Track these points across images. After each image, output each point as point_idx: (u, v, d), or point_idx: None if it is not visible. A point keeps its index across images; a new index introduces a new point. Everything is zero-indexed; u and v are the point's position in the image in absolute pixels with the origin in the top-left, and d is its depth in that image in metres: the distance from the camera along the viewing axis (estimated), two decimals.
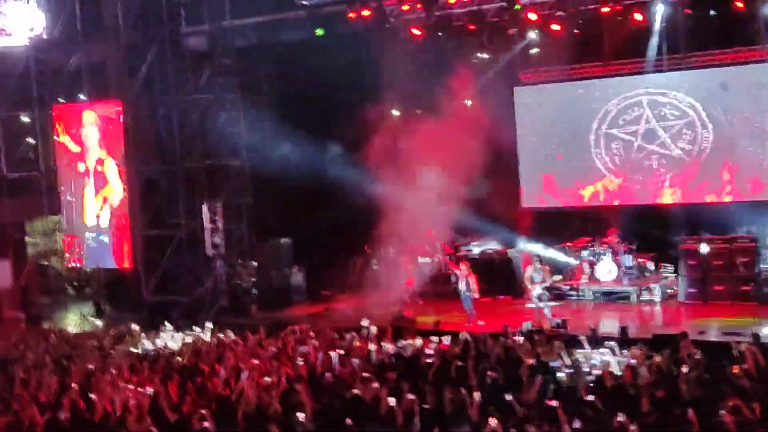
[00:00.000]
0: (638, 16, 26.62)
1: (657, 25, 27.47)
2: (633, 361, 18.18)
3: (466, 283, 27.03)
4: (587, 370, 18.46)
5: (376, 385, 17.72)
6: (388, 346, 21.69)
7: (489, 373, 18.07)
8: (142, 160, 30.79)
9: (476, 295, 27.06)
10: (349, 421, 15.66)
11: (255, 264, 31.29)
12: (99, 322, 31.51)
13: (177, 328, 26.62)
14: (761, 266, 26.71)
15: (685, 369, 17.64)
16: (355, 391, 17.58)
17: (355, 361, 19.90)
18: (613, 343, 20.22)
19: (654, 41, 28.11)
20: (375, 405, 16.88)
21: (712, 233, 27.90)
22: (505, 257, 30.67)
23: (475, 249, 31.65)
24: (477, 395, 16.40)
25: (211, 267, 30.48)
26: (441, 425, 15.65)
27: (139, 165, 30.85)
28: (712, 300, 26.96)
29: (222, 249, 30.45)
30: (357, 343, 21.93)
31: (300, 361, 20.13)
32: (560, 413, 15.44)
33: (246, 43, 30.18)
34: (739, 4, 25.19)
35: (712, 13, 25.51)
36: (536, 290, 25.69)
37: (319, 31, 27.83)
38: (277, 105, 31.29)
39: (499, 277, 30.37)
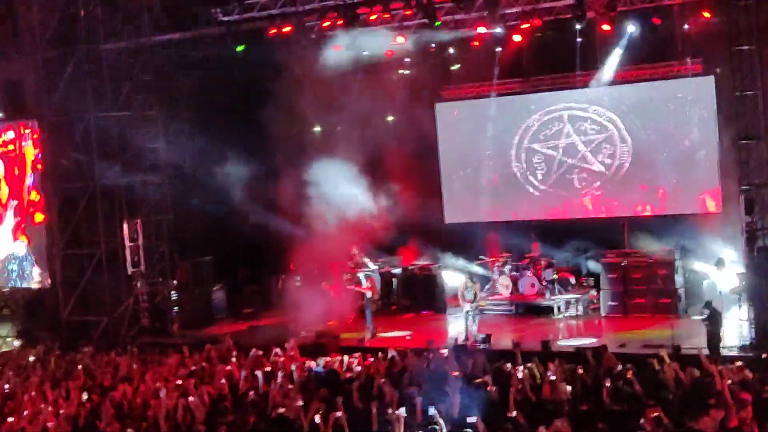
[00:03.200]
0: (556, 33, 26.80)
1: (572, 41, 27.63)
2: (553, 376, 18.25)
3: (367, 297, 27.17)
4: (511, 384, 18.45)
5: (300, 403, 17.64)
6: (311, 364, 21.60)
7: (413, 388, 18.06)
8: (60, 178, 30.31)
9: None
10: None
11: (176, 282, 30.97)
12: (17, 343, 31.00)
13: (96, 348, 26.28)
14: (679, 279, 27.00)
15: (607, 382, 17.77)
16: (281, 410, 17.47)
17: (279, 379, 19.76)
18: (535, 358, 20.28)
19: (565, 57, 28.32)
20: (300, 423, 16.80)
21: (632, 247, 28.17)
22: (428, 273, 30.69)
23: (397, 265, 31.60)
24: (401, 411, 16.37)
25: (132, 285, 30.10)
26: None
27: (58, 183, 30.38)
28: (632, 313, 27.21)
29: (142, 267, 30.11)
30: (280, 361, 21.80)
31: (223, 380, 19.98)
32: (481, 429, 15.48)
33: (166, 59, 29.91)
34: (656, 20, 25.45)
35: (631, 29, 25.72)
36: (466, 307, 25.74)
37: (239, 48, 27.65)
38: (197, 121, 31.08)
39: (423, 293, 30.41)
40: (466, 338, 24.98)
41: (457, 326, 27.03)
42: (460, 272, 28.93)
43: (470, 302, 25.70)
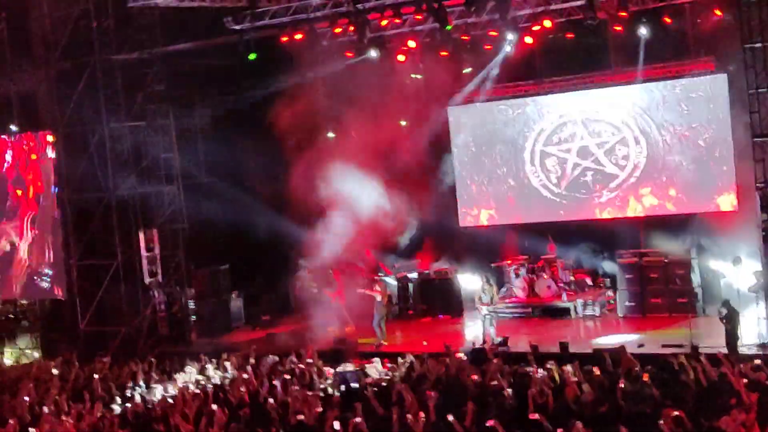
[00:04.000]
0: (569, 34, 26.75)
1: (584, 42, 27.60)
2: (574, 378, 18.23)
3: (377, 301, 27.21)
4: (529, 386, 18.42)
5: (320, 409, 17.68)
6: (329, 370, 21.61)
7: (431, 393, 18.06)
8: (75, 190, 30.39)
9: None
10: None
11: (193, 291, 31.03)
12: (37, 354, 31.12)
13: (115, 359, 26.35)
14: (696, 278, 26.96)
15: (624, 383, 17.75)
16: (300, 417, 17.49)
17: (298, 386, 19.79)
18: (553, 360, 20.26)
19: (578, 58, 28.31)
20: (320, 430, 16.83)
21: (648, 247, 28.13)
22: (444, 277, 30.69)
23: (414, 269, 31.60)
24: (421, 416, 16.40)
25: (149, 295, 30.17)
26: None
27: (72, 194, 30.46)
28: (650, 313, 27.19)
29: (159, 277, 30.19)
30: (299, 368, 21.83)
31: (242, 389, 20.01)
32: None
33: (178, 68, 29.98)
34: (668, 20, 25.41)
35: (642, 30, 25.66)
36: (484, 310, 25.75)
37: (252, 56, 27.70)
38: (210, 129, 31.15)
39: (439, 297, 30.44)
40: (484, 341, 24.97)
41: (474, 330, 27.03)
42: (477, 276, 28.92)
43: (487, 305, 25.71)
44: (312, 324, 27.75)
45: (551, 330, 26.99)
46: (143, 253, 29.95)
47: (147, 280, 30.05)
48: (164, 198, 30.34)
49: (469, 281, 29.98)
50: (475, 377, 19.14)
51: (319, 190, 28.48)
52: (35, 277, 32.09)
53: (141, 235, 29.91)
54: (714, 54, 26.88)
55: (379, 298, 27.42)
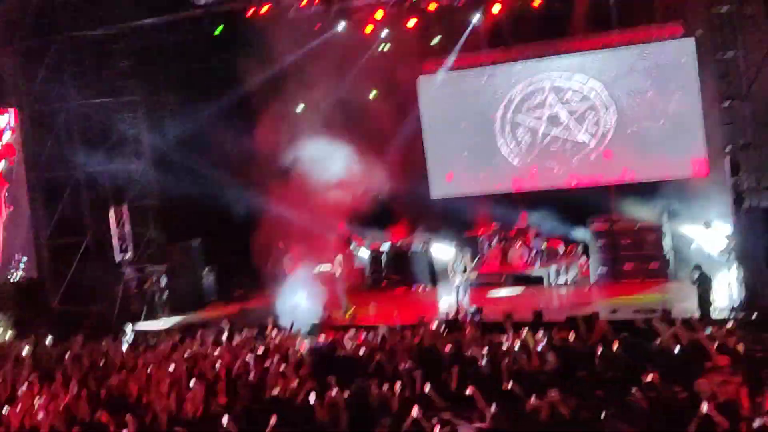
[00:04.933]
0: (537, 1, 26.64)
1: (553, 9, 27.55)
2: (539, 347, 18.29)
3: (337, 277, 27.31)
4: (505, 356, 18.45)
5: (296, 382, 17.67)
6: (305, 343, 21.58)
7: (407, 364, 18.09)
8: (43, 168, 30.16)
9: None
10: (273, 420, 15.56)
11: (165, 267, 30.89)
12: (10, 334, 30.94)
13: (88, 337, 26.20)
14: (668, 243, 27.07)
15: (600, 349, 17.82)
16: (275, 391, 17.48)
17: (274, 360, 19.74)
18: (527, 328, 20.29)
19: (546, 25, 28.25)
20: (296, 403, 16.83)
21: (620, 213, 28.20)
22: (417, 248, 30.67)
23: (386, 241, 31.57)
24: (396, 387, 16.41)
25: (121, 273, 30.04)
26: (364, 419, 15.63)
27: (41, 172, 30.22)
28: (622, 279, 27.30)
29: (130, 254, 30.07)
30: (274, 342, 21.79)
31: (217, 364, 19.96)
32: (479, 401, 15.52)
33: (144, 45, 29.75)
34: None
35: None
36: (457, 279, 25.75)
37: (218, 30, 27.53)
38: (180, 104, 30.95)
39: (412, 268, 30.44)
40: (458, 311, 24.98)
41: (448, 300, 27.05)
42: (449, 246, 28.95)
43: (461, 274, 25.71)
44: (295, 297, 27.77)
45: (525, 298, 27.04)
46: (114, 230, 29.84)
47: (118, 257, 29.95)
48: (134, 175, 30.19)
49: (442, 252, 29.99)
50: (450, 347, 19.14)
51: (290, 164, 28.38)
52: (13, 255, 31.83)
53: (111, 213, 29.76)
54: (681, 19, 26.90)
55: (338, 273, 27.39)
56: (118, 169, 29.97)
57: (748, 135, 22.01)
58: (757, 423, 13.24)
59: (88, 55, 29.45)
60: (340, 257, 28.18)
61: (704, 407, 13.51)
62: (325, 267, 27.98)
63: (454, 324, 22.38)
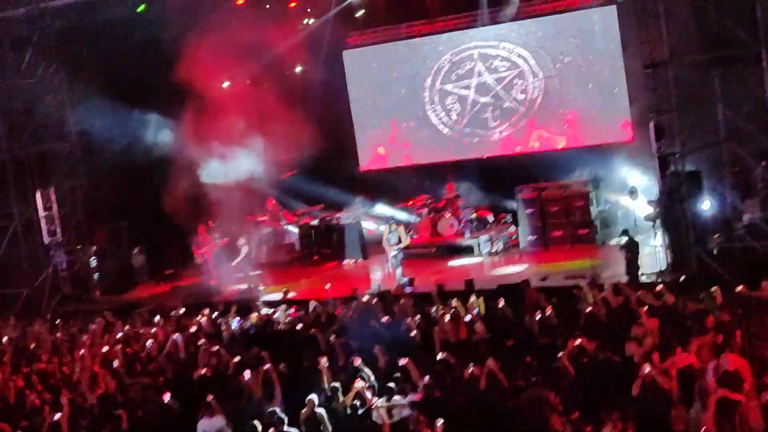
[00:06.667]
0: None
1: None
2: (468, 317, 18.41)
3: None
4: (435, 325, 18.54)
5: (231, 359, 17.68)
6: (237, 320, 21.52)
7: (339, 338, 18.15)
8: None
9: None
10: (210, 397, 15.56)
11: (95, 248, 30.64)
12: None
13: (19, 319, 25.96)
14: (596, 209, 27.31)
15: (530, 315, 17.99)
16: (202, 371, 17.45)
17: (205, 338, 19.71)
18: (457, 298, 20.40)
19: None
20: (231, 379, 16.84)
21: (548, 180, 28.39)
22: (347, 221, 30.68)
23: (317, 215, 31.55)
24: (324, 361, 16.47)
25: (50, 255, 29.76)
26: (299, 392, 15.67)
27: None
28: (552, 246, 27.50)
29: (59, 236, 29.81)
30: (206, 321, 21.73)
31: (149, 343, 19.88)
32: (412, 370, 15.60)
33: (67, 24, 29.36)
34: None
35: None
36: (392, 251, 25.79)
37: (141, 8, 27.27)
38: (103, 84, 30.58)
39: (342, 242, 30.41)
40: (413, 280, 25.01)
41: (380, 272, 27.13)
42: (380, 218, 29.03)
43: (395, 245, 25.77)
44: (216, 276, 27.74)
45: (456, 268, 27.17)
46: (41, 212, 29.55)
47: (46, 239, 29.67)
48: (60, 156, 29.84)
49: (371, 225, 30.08)
50: (385, 319, 19.21)
51: (218, 142, 28.26)
52: None
53: (38, 195, 29.46)
54: None
55: (244, 251, 27.39)
56: (44, 150, 29.61)
57: (672, 100, 22.19)
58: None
59: (9, 35, 29.00)
60: (243, 238, 28.12)
61: (646, 368, 13.70)
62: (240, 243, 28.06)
63: (386, 296, 22.42)
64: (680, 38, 21.88)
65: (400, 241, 25.92)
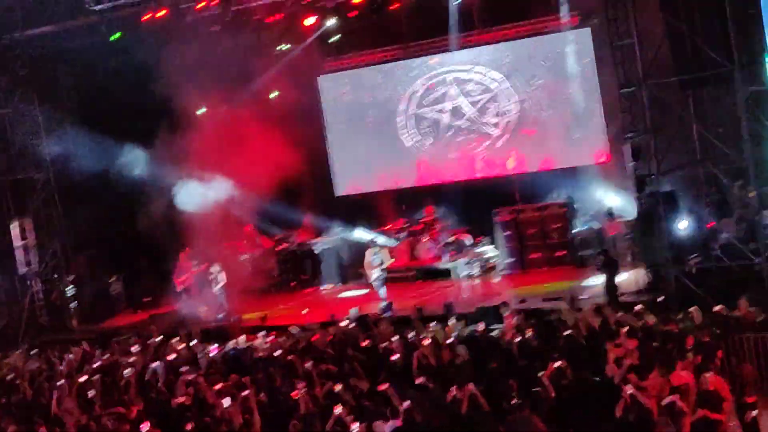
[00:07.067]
0: None
1: (450, 3, 27.76)
2: (450, 340, 18.42)
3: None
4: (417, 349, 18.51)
5: (209, 387, 17.60)
6: (215, 347, 21.44)
7: (321, 365, 18.10)
8: None
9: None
10: (189, 426, 15.49)
11: (72, 277, 30.49)
12: None
13: None
14: (573, 231, 27.37)
15: (509, 338, 17.99)
16: (181, 399, 17.36)
17: (185, 366, 19.62)
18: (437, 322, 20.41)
19: (452, 19, 28.42)
20: (210, 408, 16.74)
21: (525, 202, 28.45)
22: (325, 247, 30.62)
23: (294, 241, 31.47)
24: (301, 387, 16.42)
25: (26, 285, 29.60)
26: (278, 420, 15.62)
27: None
28: (529, 268, 27.53)
29: (35, 265, 29.65)
30: (184, 348, 21.64)
31: (128, 372, 19.78)
32: (392, 396, 15.54)
33: (41, 52, 29.30)
34: None
35: None
36: (375, 273, 25.77)
37: (115, 36, 27.25)
38: (78, 112, 30.54)
39: (320, 267, 30.38)
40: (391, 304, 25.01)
41: (361, 296, 27.15)
42: (358, 243, 29.05)
43: (378, 267, 25.76)
44: (196, 303, 27.65)
45: (435, 291, 27.15)
46: (17, 242, 29.40)
47: (22, 270, 29.52)
48: (36, 185, 29.71)
49: (350, 250, 30.09)
50: (365, 344, 19.18)
51: (194, 167, 28.21)
52: None
53: (14, 224, 29.33)
54: (577, 9, 27.22)
55: (221, 278, 27.44)
56: (20, 180, 29.50)
57: (647, 121, 22.28)
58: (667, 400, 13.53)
59: None
60: (216, 266, 28.00)
61: (628, 389, 13.70)
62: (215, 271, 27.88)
63: (365, 321, 22.38)
64: (654, 60, 21.96)
65: (382, 263, 25.95)
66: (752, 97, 21.19)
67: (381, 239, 29.47)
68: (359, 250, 28.81)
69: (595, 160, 28.09)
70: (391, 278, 27.91)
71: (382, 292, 25.64)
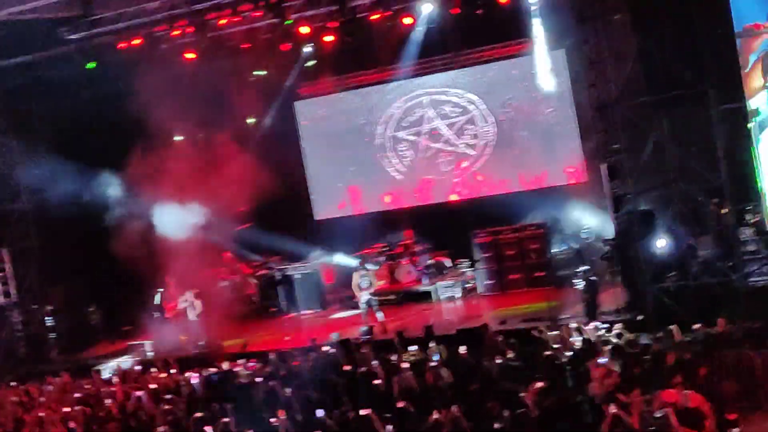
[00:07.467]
0: (408, 20, 26.76)
1: (425, 27, 27.82)
2: (433, 363, 18.43)
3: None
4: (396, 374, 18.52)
5: (191, 415, 17.56)
6: (195, 375, 21.38)
7: (298, 390, 18.10)
8: None
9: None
10: None
11: (50, 307, 30.35)
12: None
13: None
14: (552, 251, 27.42)
15: (490, 360, 18.01)
16: (161, 429, 17.31)
17: (167, 395, 19.58)
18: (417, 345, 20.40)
19: (419, 43, 28.51)
20: None
21: (502, 224, 28.48)
22: (304, 272, 30.57)
23: (275, 267, 31.42)
24: (281, 414, 16.42)
25: (4, 316, 29.45)
26: None
27: None
28: (509, 289, 27.54)
29: (14, 297, 29.51)
30: (163, 377, 21.58)
31: (108, 401, 19.72)
32: (375, 421, 15.54)
33: (15, 83, 29.23)
34: (502, 0, 25.64)
35: (479, 11, 25.86)
36: (364, 296, 25.79)
37: (91, 65, 27.23)
38: (54, 141, 30.44)
39: (300, 293, 30.29)
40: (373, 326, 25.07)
41: (340, 321, 27.11)
42: (340, 266, 29.06)
43: (366, 290, 25.78)
44: (175, 331, 27.56)
45: (415, 314, 27.13)
46: None
47: (1, 301, 29.36)
48: (12, 216, 29.60)
49: (331, 274, 30.06)
50: (347, 368, 19.18)
51: (173, 196, 28.15)
52: None
53: None
54: (551, 31, 27.30)
55: (195, 308, 27.38)
56: None
57: (624, 140, 22.36)
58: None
59: None
60: (189, 294, 27.92)
61: (612, 408, 13.73)
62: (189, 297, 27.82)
63: (346, 345, 22.35)
64: (628, 80, 22.09)
65: (371, 285, 25.98)
66: (726, 114, 21.33)
67: (357, 264, 29.45)
68: (340, 274, 28.81)
69: (571, 180, 28.20)
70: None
71: (380, 315, 25.62)
